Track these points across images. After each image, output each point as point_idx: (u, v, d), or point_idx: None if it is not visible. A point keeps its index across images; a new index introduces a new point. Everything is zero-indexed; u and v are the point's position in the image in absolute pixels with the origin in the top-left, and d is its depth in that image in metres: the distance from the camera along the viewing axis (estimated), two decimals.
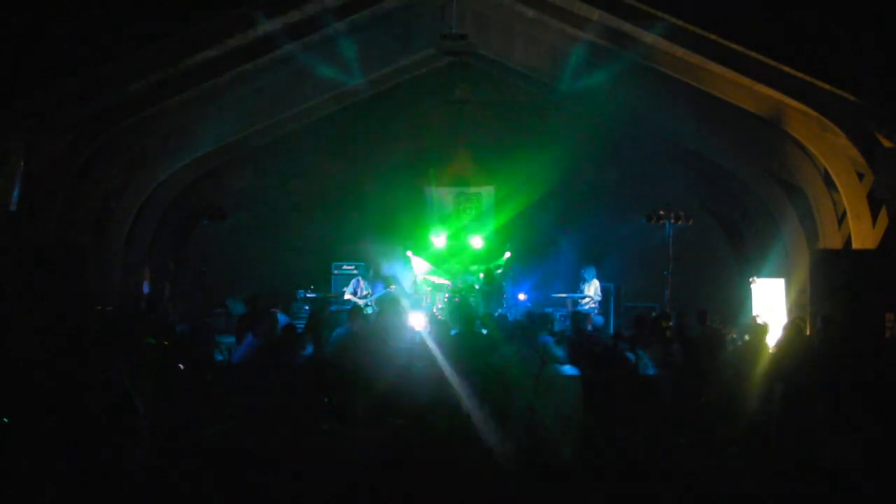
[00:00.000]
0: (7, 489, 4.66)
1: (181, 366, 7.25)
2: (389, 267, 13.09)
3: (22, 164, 8.90)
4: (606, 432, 6.50)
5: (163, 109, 10.84)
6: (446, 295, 12.82)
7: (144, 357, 6.78)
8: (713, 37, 8.99)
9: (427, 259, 13.57)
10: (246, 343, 7.75)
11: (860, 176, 9.98)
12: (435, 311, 12.46)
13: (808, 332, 9.14)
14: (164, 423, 6.01)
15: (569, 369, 6.95)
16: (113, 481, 4.97)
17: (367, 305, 12.16)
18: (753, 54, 8.91)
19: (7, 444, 4.85)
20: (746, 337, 8.34)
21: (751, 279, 12.03)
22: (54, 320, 7.46)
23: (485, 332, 7.77)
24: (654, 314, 11.45)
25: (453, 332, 7.96)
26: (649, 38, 9.79)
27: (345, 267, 13.90)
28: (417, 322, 9.41)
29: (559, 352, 7.13)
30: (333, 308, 11.82)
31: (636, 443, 6.73)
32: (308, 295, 13.34)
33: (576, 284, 13.00)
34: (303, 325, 9.27)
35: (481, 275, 13.07)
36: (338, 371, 7.27)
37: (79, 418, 5.00)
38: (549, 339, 7.43)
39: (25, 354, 5.80)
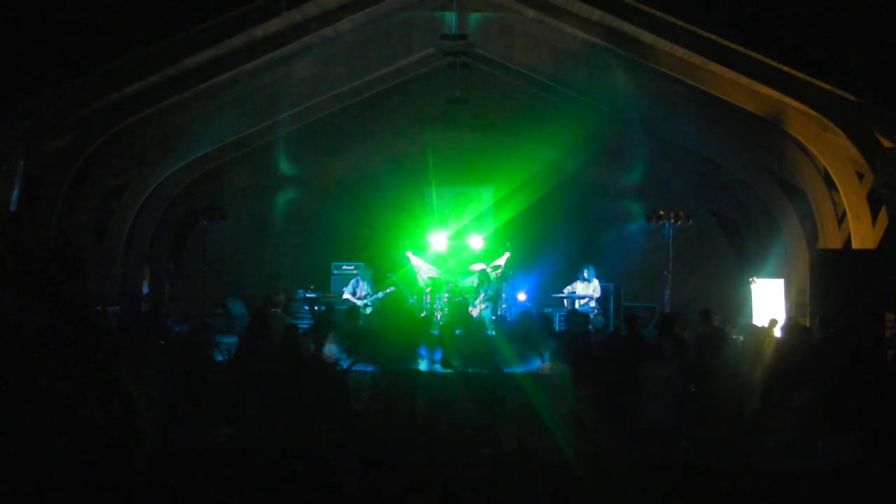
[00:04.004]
0: (8, 489, 4.66)
1: (178, 366, 7.24)
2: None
3: (22, 164, 8.90)
4: (607, 431, 6.50)
5: (163, 109, 10.84)
6: (446, 295, 12.80)
7: (146, 358, 6.78)
8: (713, 37, 8.99)
9: (427, 259, 13.56)
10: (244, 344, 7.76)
11: (860, 176, 9.98)
12: (435, 311, 12.46)
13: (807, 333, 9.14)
14: (164, 424, 6.01)
15: (563, 367, 6.96)
16: (114, 482, 4.97)
17: (366, 306, 12.16)
18: (753, 54, 8.91)
19: (8, 445, 4.85)
20: (742, 337, 8.36)
21: (751, 279, 12.03)
22: (54, 320, 7.45)
23: (493, 333, 7.79)
24: (658, 314, 11.45)
25: (458, 332, 7.97)
26: (649, 38, 9.79)
27: (344, 267, 13.89)
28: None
29: (559, 352, 7.15)
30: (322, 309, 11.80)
31: (638, 441, 6.74)
32: (308, 295, 13.33)
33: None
34: (304, 326, 9.27)
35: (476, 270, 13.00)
36: (338, 371, 7.27)
37: (79, 419, 5.00)
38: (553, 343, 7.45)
39: (26, 354, 5.80)
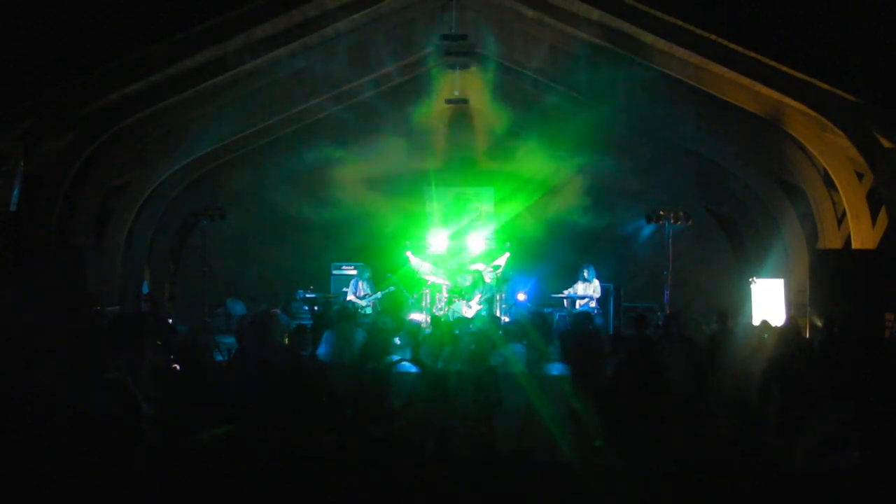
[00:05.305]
0: (8, 489, 4.66)
1: (177, 366, 7.25)
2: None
3: (22, 164, 8.90)
4: (608, 431, 6.50)
5: (163, 109, 10.84)
6: (446, 295, 12.80)
7: (147, 358, 6.78)
8: (713, 37, 9.00)
9: (427, 259, 13.55)
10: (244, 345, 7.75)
11: (860, 176, 9.99)
12: (435, 311, 12.46)
13: (807, 332, 9.15)
14: (164, 424, 6.01)
15: (563, 368, 6.96)
16: (114, 481, 4.97)
17: (367, 306, 12.16)
18: (753, 54, 8.92)
19: (8, 445, 4.85)
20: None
21: (751, 279, 12.03)
22: (54, 320, 7.46)
23: (500, 332, 7.77)
24: (660, 315, 11.45)
25: (456, 331, 7.95)
26: (649, 38, 9.79)
27: (344, 267, 13.90)
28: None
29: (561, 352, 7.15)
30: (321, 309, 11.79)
31: (638, 441, 6.72)
32: (308, 295, 13.34)
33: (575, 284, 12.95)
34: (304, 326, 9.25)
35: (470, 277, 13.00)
36: (332, 372, 7.26)
37: (79, 419, 5.00)
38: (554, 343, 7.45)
39: (26, 354, 5.81)
